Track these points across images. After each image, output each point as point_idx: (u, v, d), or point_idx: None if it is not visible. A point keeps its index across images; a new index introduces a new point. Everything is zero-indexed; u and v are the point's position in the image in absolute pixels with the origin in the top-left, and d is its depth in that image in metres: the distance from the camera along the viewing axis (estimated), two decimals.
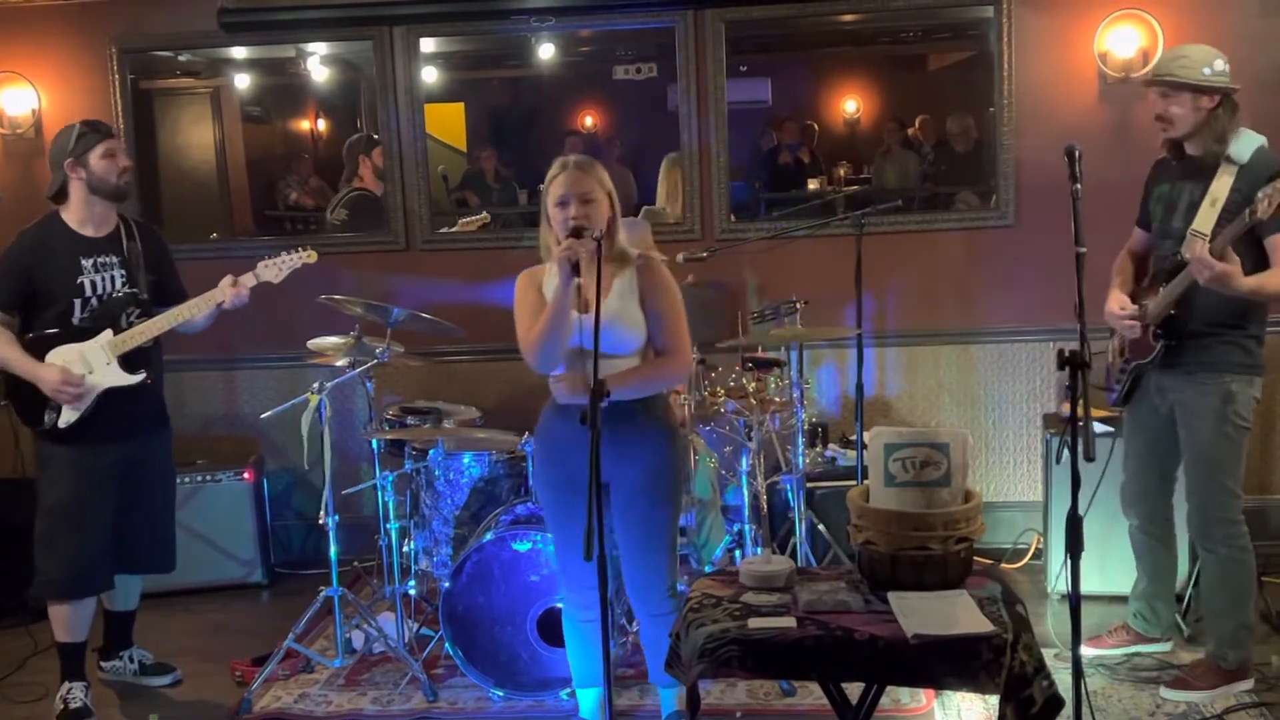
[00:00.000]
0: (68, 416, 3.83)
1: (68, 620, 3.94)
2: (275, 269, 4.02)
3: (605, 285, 3.25)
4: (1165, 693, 3.75)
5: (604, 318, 3.17)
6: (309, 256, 4.07)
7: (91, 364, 3.84)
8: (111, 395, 3.86)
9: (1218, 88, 3.51)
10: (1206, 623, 3.83)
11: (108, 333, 3.86)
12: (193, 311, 3.94)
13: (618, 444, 3.26)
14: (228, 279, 3.96)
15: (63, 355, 3.82)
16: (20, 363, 3.80)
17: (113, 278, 3.92)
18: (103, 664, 4.28)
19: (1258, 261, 3.45)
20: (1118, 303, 3.74)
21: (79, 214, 3.92)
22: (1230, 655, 3.74)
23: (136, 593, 4.29)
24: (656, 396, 3.42)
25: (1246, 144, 3.52)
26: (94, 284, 3.88)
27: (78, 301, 3.85)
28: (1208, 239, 3.44)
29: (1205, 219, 3.49)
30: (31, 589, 4.01)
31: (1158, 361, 3.66)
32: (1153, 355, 3.66)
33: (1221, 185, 3.49)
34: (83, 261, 3.87)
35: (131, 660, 4.27)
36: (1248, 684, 3.75)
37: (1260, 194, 3.21)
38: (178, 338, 4.13)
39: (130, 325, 3.92)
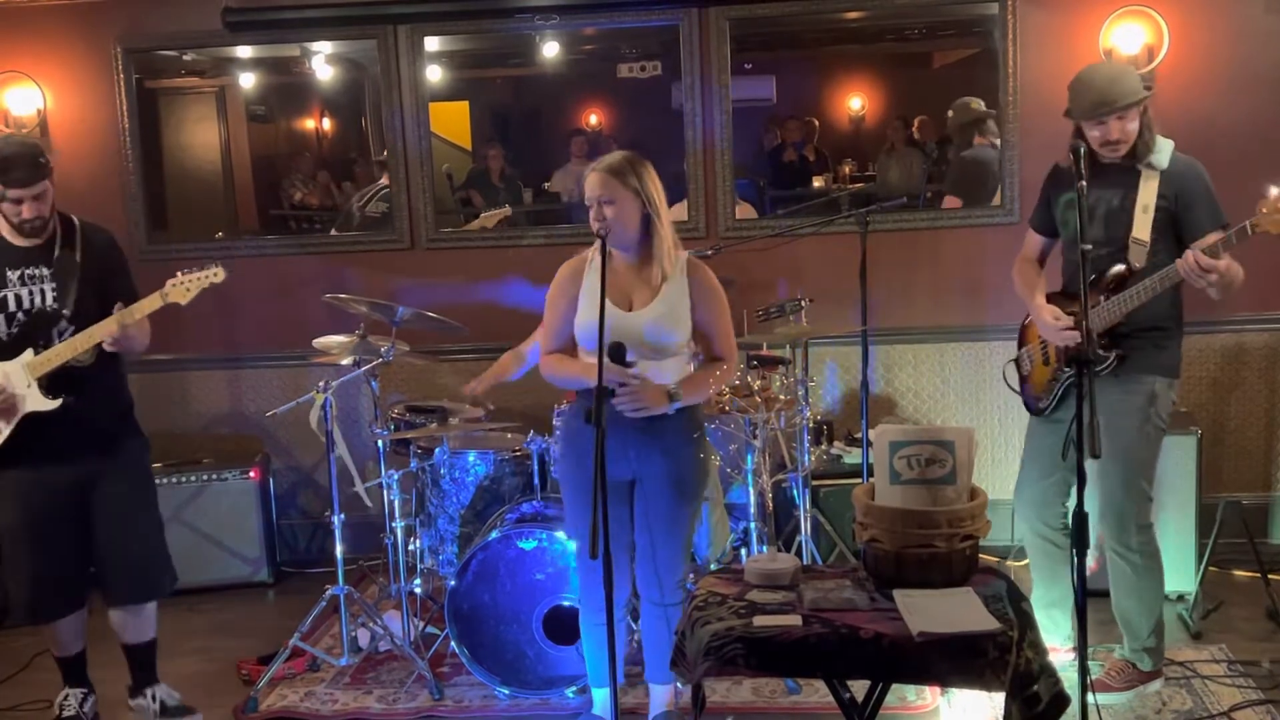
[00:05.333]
0: None
1: (53, 638, 3.86)
2: (184, 289, 3.63)
3: (654, 285, 3.37)
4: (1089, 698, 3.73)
5: (652, 318, 3.33)
6: (215, 275, 3.66)
7: (13, 386, 3.59)
8: (43, 417, 3.60)
9: (1148, 94, 3.57)
10: (1121, 625, 3.81)
11: (28, 353, 3.61)
12: (99, 335, 3.57)
13: (647, 442, 3.36)
14: (117, 308, 3.60)
15: None
16: None
17: (42, 291, 3.64)
18: (130, 702, 4.04)
19: (1176, 253, 3.47)
20: (1053, 314, 3.67)
21: (5, 223, 3.65)
22: (1147, 658, 3.76)
23: (144, 624, 3.93)
24: None
25: (1164, 149, 3.58)
26: (18, 298, 3.62)
27: (1, 317, 3.61)
28: (1147, 245, 3.51)
29: (1142, 226, 3.53)
30: (9, 614, 3.92)
31: (1108, 372, 3.59)
32: (1105, 366, 3.59)
33: (1149, 192, 3.54)
34: (8, 273, 3.61)
35: (154, 700, 3.99)
36: (1159, 683, 3.79)
37: (1264, 205, 3.23)
38: (183, 335, 4.09)
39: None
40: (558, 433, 4.10)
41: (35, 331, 3.63)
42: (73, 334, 3.63)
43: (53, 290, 3.65)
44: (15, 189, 3.52)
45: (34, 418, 3.61)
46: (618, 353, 3.18)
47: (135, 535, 3.82)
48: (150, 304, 3.61)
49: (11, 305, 3.63)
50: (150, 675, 4.00)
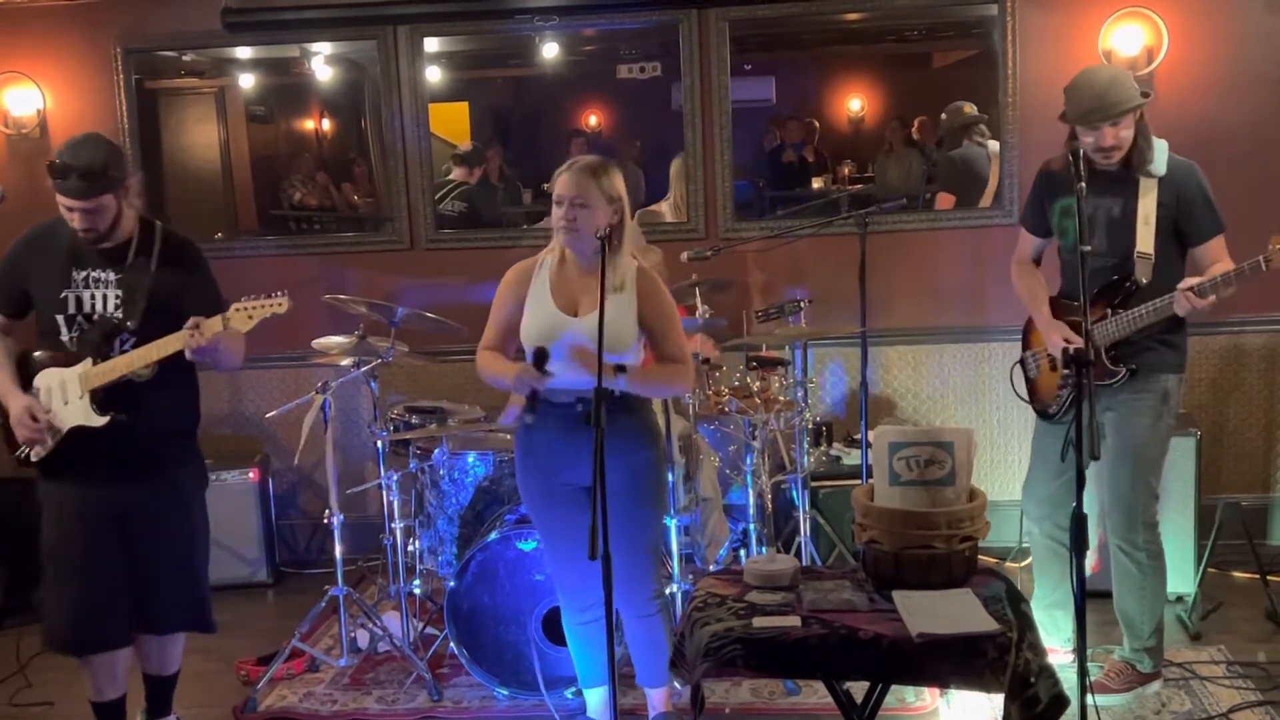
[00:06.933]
0: (39, 450, 3.41)
1: (89, 679, 3.57)
2: (245, 316, 3.35)
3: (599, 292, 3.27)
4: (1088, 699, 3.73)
5: (593, 326, 3.19)
6: (279, 306, 3.37)
7: (66, 395, 3.37)
8: (90, 433, 3.37)
9: (1144, 100, 3.53)
10: (1123, 625, 3.80)
11: (87, 362, 3.36)
12: (163, 351, 3.32)
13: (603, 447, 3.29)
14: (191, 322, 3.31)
15: (47, 379, 3.39)
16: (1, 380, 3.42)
17: (105, 297, 3.39)
18: None
19: (1180, 262, 3.58)
20: (1063, 336, 3.66)
21: None
22: (1146, 659, 3.76)
23: (167, 656, 3.72)
24: (639, 398, 3.41)
25: (1160, 154, 3.56)
26: (79, 300, 3.38)
27: (61, 318, 3.39)
28: (1152, 259, 3.52)
29: (1145, 239, 3.53)
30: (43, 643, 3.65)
31: (1120, 384, 3.61)
32: (1116, 380, 3.60)
33: (1149, 202, 3.54)
34: (74, 273, 3.38)
35: None
36: (1158, 685, 3.79)
37: (1275, 241, 3.27)
38: None
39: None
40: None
41: (95, 340, 3.39)
42: (134, 346, 3.38)
43: (116, 298, 3.40)
44: (66, 198, 3.29)
45: (80, 432, 3.38)
46: (540, 357, 3.16)
47: (170, 564, 3.56)
48: (211, 328, 3.29)
49: (71, 307, 3.40)
50: (165, 707, 3.81)
